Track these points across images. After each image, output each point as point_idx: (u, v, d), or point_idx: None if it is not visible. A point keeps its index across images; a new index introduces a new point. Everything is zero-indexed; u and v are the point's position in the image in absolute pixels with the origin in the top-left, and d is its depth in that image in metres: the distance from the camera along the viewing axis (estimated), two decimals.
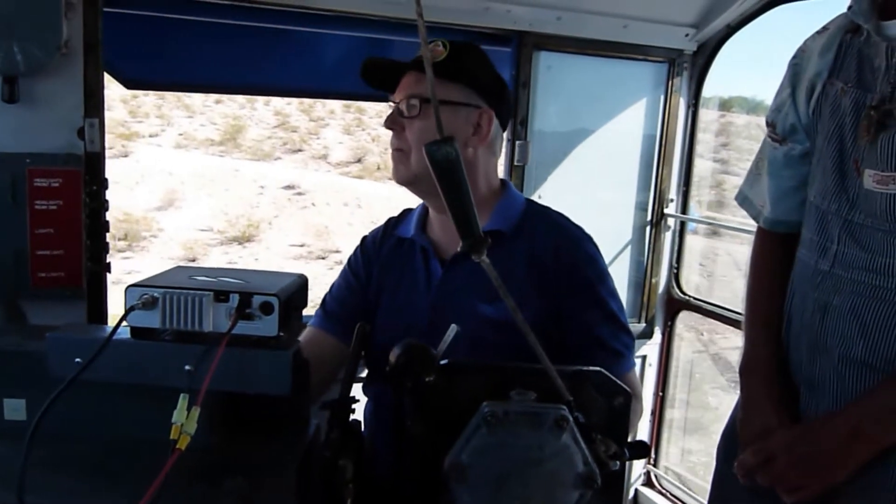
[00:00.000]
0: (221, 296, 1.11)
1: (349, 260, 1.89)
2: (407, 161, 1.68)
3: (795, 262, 1.53)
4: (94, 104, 2.14)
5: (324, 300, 1.86)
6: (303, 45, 2.62)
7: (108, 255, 2.21)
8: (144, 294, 1.11)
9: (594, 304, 1.67)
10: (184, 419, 1.00)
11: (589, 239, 1.74)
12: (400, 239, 1.83)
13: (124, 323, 1.11)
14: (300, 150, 27.82)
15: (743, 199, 1.71)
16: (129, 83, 2.55)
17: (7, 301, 2.03)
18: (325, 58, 2.69)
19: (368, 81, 1.77)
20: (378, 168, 24.04)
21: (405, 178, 1.69)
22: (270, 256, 18.35)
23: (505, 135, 1.89)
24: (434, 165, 0.90)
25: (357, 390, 1.39)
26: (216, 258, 18.52)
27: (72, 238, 2.08)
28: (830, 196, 1.40)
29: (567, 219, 1.78)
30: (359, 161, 25.71)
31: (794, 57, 1.53)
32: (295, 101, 29.56)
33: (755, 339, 1.60)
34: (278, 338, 1.13)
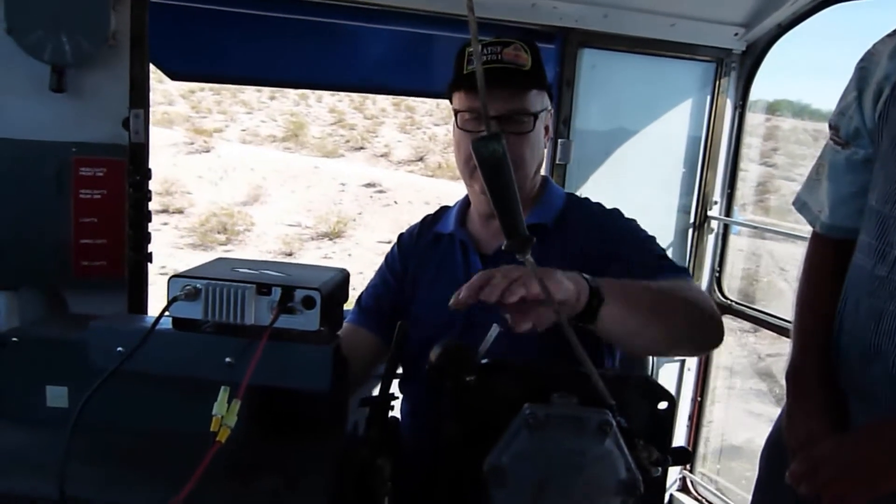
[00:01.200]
0: (264, 289, 1.10)
1: (386, 257, 1.90)
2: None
3: (851, 268, 1.49)
4: (139, 95, 2.15)
5: (359, 297, 1.87)
6: (348, 40, 2.61)
7: (149, 246, 2.23)
8: (187, 285, 1.10)
9: (644, 242, 1.69)
10: (224, 412, 0.99)
11: (620, 212, 1.76)
12: (437, 235, 1.82)
13: (166, 314, 1.11)
14: (362, 148, 28.28)
15: (801, 205, 1.67)
16: (174, 75, 2.57)
17: (50, 289, 2.05)
18: (370, 52, 2.69)
19: (462, 82, 1.69)
20: (439, 167, 24.27)
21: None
22: (362, 252, 18.63)
23: None
24: (482, 163, 0.89)
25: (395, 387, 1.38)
26: (311, 253, 18.94)
27: (115, 228, 2.09)
28: (893, 200, 1.35)
29: (603, 205, 1.79)
30: (420, 160, 25.97)
31: (862, 60, 1.48)
32: (346, 98, 30.06)
33: (804, 345, 1.56)
34: (319, 332, 1.12)
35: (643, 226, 1.74)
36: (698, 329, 1.51)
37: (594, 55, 2.91)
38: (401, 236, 1.91)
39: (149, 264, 2.24)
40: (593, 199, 1.83)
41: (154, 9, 2.17)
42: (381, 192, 23.36)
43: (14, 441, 1.19)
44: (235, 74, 2.75)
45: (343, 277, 1.25)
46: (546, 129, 1.73)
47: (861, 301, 1.43)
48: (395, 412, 1.43)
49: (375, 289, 1.86)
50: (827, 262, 1.58)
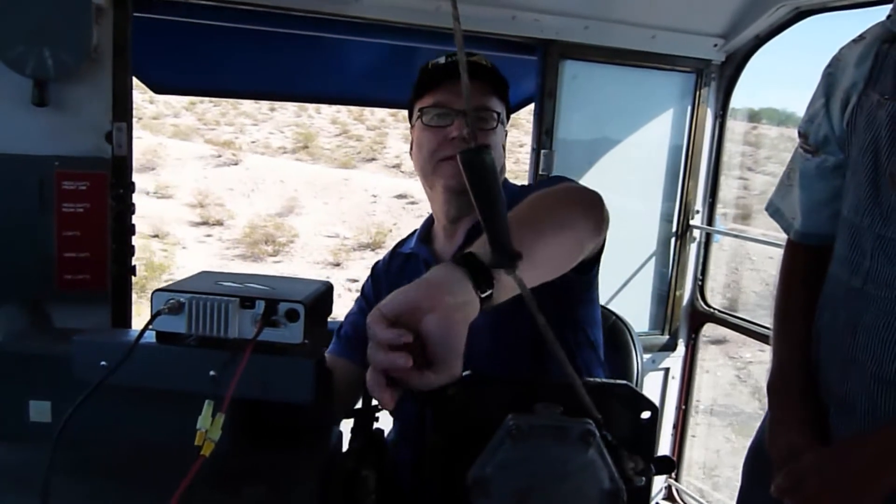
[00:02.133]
0: (247, 302, 1.11)
1: (362, 287, 1.91)
2: None
3: (827, 279, 1.49)
4: (122, 108, 2.16)
5: (339, 328, 1.87)
6: (332, 53, 2.63)
7: (132, 259, 2.22)
8: (171, 299, 1.11)
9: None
10: (208, 425, 0.99)
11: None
12: (405, 256, 1.83)
13: (150, 327, 1.11)
14: (373, 159, 28.49)
15: (774, 211, 1.67)
16: (157, 88, 2.57)
17: (33, 303, 2.04)
18: (353, 65, 2.71)
19: (426, 83, 1.70)
20: None
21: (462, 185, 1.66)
22: None
23: (529, 143, 1.89)
24: (469, 174, 0.88)
25: None
26: (357, 263, 19.56)
27: (98, 241, 2.09)
28: (864, 211, 1.35)
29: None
30: None
31: (829, 66, 1.48)
32: (345, 109, 30.34)
33: (784, 356, 1.56)
34: (303, 345, 1.12)
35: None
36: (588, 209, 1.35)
37: (575, 66, 2.94)
38: (375, 265, 1.92)
39: (132, 277, 2.24)
40: None
41: (137, 22, 2.18)
42: (412, 203, 23.93)
43: None
44: (218, 87, 2.76)
45: (327, 290, 1.25)
46: (506, 133, 1.74)
47: (838, 312, 1.43)
48: (382, 423, 1.43)
49: (354, 317, 1.87)
50: (803, 270, 1.59)
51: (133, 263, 2.23)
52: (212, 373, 1.10)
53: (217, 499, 1.06)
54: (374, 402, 1.27)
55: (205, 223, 21.64)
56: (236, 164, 25.81)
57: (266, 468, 1.15)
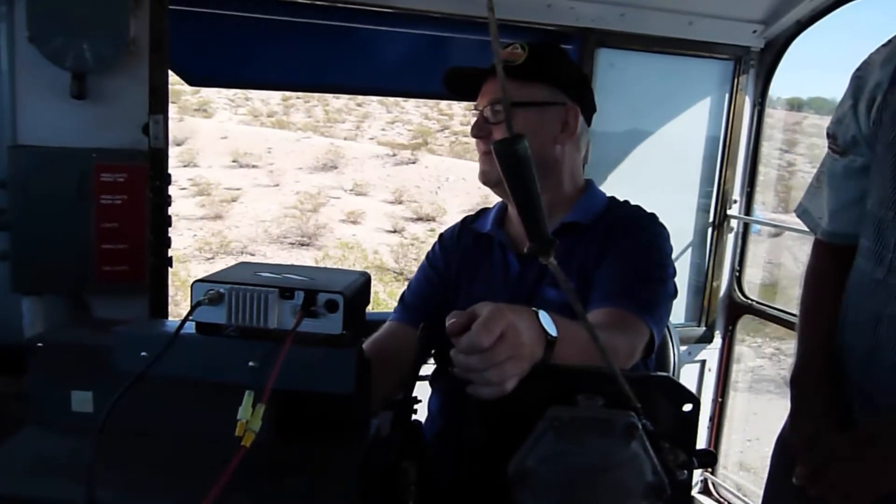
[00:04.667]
0: (287, 293, 1.10)
1: (427, 255, 1.93)
2: (494, 163, 1.66)
3: (852, 272, 1.52)
4: (158, 101, 2.17)
5: (402, 295, 1.88)
6: (369, 43, 2.62)
7: (168, 251, 2.24)
8: (210, 290, 1.11)
9: (639, 249, 1.65)
10: (249, 416, 0.99)
11: (658, 221, 1.74)
12: (478, 234, 1.85)
13: (190, 318, 1.11)
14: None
15: (803, 212, 1.71)
16: (194, 80, 2.58)
17: (73, 294, 2.07)
18: (391, 56, 2.70)
19: (451, 90, 1.80)
20: None
21: (494, 179, 1.69)
22: None
23: None
24: (503, 163, 0.88)
25: (421, 388, 1.38)
26: None
27: (136, 233, 2.11)
28: (888, 203, 1.38)
29: (641, 208, 1.80)
30: None
31: (858, 69, 1.52)
32: (423, 104, 31.33)
33: (807, 349, 1.60)
34: (342, 336, 1.12)
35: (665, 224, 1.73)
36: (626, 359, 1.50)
37: (612, 55, 2.91)
38: (441, 235, 1.95)
39: (169, 268, 2.26)
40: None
41: (173, 15, 2.19)
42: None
43: (40, 446, 1.19)
44: (253, 79, 2.77)
45: (365, 281, 1.25)
46: (564, 123, 1.72)
47: (861, 303, 1.46)
48: (421, 414, 1.43)
49: (419, 286, 1.88)
50: (829, 267, 1.62)
51: (170, 255, 2.25)
52: (251, 363, 1.09)
53: (259, 490, 1.06)
54: (415, 394, 1.27)
55: (420, 219, 23.03)
56: (414, 162, 27.05)
57: (306, 460, 1.15)
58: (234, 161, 26.47)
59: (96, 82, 2.04)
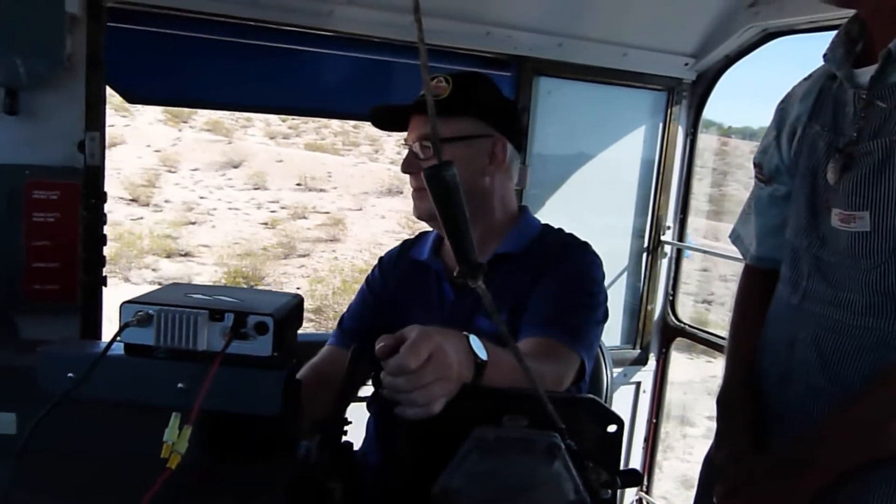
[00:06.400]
0: (216, 314, 1.10)
1: (367, 279, 1.93)
2: (428, 198, 1.66)
3: (773, 298, 1.58)
4: (95, 118, 2.15)
5: (341, 319, 1.88)
6: (306, 65, 2.63)
7: (103, 270, 2.21)
8: (139, 311, 1.10)
9: (569, 277, 1.67)
10: (175, 438, 0.99)
11: (590, 249, 1.75)
12: (415, 262, 1.84)
13: (118, 339, 1.11)
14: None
15: (735, 237, 1.77)
16: (131, 97, 2.56)
17: (0, 314, 2.02)
18: (327, 78, 2.71)
19: (379, 126, 1.82)
20: None
21: (427, 213, 1.70)
22: None
23: None
24: (433, 189, 0.91)
25: (355, 410, 1.39)
26: None
27: (68, 251, 2.07)
28: (803, 233, 1.46)
29: (575, 237, 1.80)
30: None
31: (782, 101, 1.60)
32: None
33: (732, 372, 1.65)
34: (272, 358, 1.12)
35: (600, 250, 1.76)
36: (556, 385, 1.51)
37: (549, 83, 2.97)
38: (381, 258, 1.95)
39: (103, 288, 2.22)
40: (551, 224, 1.85)
41: (112, 32, 2.17)
42: None
43: None
44: (193, 98, 2.75)
45: (297, 303, 1.26)
46: (492, 154, 1.72)
47: (779, 328, 1.53)
48: (355, 435, 1.44)
49: (357, 309, 1.88)
50: (756, 291, 1.68)
51: (104, 274, 2.22)
52: (180, 385, 1.09)
53: None
54: (346, 415, 1.28)
55: None
56: None
57: (234, 481, 1.15)
58: (298, 184, 25.93)
59: (30, 98, 2.02)
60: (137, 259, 18.48)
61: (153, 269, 18.25)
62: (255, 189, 25.16)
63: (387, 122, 1.81)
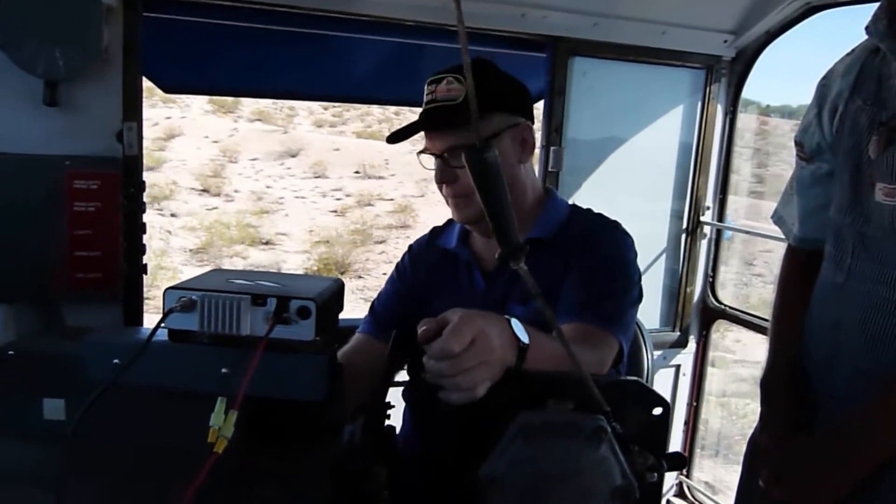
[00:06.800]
0: (259, 299, 1.11)
1: (397, 266, 1.91)
2: (472, 202, 1.65)
3: (818, 278, 1.55)
4: (132, 108, 2.17)
5: (371, 306, 1.87)
6: (340, 50, 2.63)
7: (143, 257, 2.23)
8: (183, 297, 1.11)
9: (601, 262, 1.65)
10: (221, 422, 1.00)
11: (620, 229, 1.73)
12: (443, 251, 1.83)
13: (162, 325, 1.11)
14: None
15: (778, 219, 1.74)
16: (167, 87, 2.58)
17: (45, 302, 2.06)
18: (362, 63, 2.70)
19: (389, 142, 1.75)
20: None
21: (475, 217, 1.68)
22: None
23: (539, 140, 1.87)
24: (474, 174, 0.90)
25: (394, 395, 1.38)
26: None
27: (109, 240, 2.10)
28: (846, 210, 1.43)
29: (604, 217, 1.78)
30: None
31: (823, 78, 1.56)
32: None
33: (775, 355, 1.63)
34: (314, 342, 1.12)
35: (637, 232, 1.74)
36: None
37: (585, 63, 2.93)
38: (411, 246, 1.94)
39: (144, 275, 2.25)
40: (587, 206, 1.83)
41: (146, 22, 2.18)
42: None
43: (11, 454, 1.19)
44: (229, 86, 2.77)
45: (338, 287, 1.25)
46: (523, 142, 1.70)
47: (823, 309, 1.50)
48: (396, 419, 1.44)
49: (387, 297, 1.87)
50: (799, 272, 1.65)
51: (144, 262, 2.24)
52: (224, 370, 1.10)
53: (230, 497, 1.06)
54: (387, 399, 1.28)
55: None
56: None
57: (278, 466, 1.16)
58: (356, 172, 26.02)
59: (69, 90, 2.04)
60: (227, 248, 18.73)
61: (243, 258, 18.49)
62: (317, 178, 25.37)
63: (398, 137, 1.74)
